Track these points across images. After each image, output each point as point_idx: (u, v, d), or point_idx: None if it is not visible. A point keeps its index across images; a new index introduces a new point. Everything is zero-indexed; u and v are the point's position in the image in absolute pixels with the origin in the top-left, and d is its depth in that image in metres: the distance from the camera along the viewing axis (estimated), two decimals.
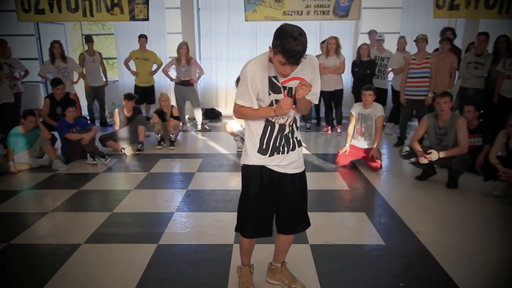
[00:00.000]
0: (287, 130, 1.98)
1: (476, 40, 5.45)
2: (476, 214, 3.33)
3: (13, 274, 2.46)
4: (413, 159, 4.09)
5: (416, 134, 4.09)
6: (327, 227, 3.06)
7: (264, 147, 1.96)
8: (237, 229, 2.14)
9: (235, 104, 1.91)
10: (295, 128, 2.03)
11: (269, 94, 1.86)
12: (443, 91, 4.01)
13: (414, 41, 5.32)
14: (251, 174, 2.00)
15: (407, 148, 4.15)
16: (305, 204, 2.15)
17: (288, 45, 1.64)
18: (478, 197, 3.69)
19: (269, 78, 1.84)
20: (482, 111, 4.70)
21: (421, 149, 3.93)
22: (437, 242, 2.83)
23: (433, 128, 3.99)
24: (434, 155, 3.79)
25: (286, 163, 2.00)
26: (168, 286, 2.30)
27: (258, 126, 1.96)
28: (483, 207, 3.47)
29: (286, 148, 1.98)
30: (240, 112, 1.92)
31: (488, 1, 6.59)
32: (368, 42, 6.53)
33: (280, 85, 1.85)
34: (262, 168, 1.98)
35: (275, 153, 1.97)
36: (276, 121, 1.94)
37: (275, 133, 1.96)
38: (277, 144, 1.97)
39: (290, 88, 1.88)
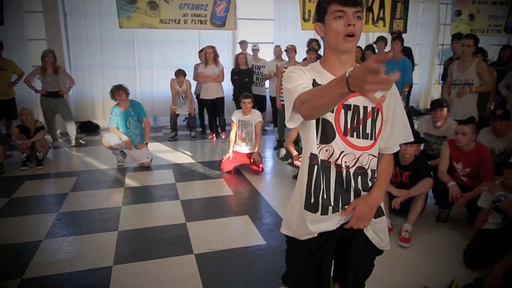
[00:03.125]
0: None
1: None
2: None
3: None
4: (290, 160, 4.40)
5: (290, 136, 4.40)
6: (212, 234, 3.09)
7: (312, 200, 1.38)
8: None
9: (294, 106, 1.22)
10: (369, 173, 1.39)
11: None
12: None
13: (285, 50, 5.77)
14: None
15: (284, 151, 4.44)
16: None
17: None
18: None
19: (314, 81, 1.32)
20: None
21: (296, 152, 4.25)
22: None
23: None
24: None
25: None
26: None
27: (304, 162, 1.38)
28: None
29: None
30: (301, 105, 1.17)
31: None
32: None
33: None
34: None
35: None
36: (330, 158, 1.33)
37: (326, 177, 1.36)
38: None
39: (356, 107, 1.29)
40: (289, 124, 1.27)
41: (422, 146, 4.19)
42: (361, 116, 1.30)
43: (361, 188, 1.37)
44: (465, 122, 3.25)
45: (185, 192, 4.07)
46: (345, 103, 1.28)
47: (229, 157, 4.74)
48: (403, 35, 7.73)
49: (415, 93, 8.92)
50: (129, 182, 4.40)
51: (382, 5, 7.79)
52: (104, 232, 3.13)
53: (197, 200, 3.90)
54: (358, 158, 1.33)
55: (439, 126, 3.77)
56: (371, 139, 1.34)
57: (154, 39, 7.37)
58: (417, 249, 2.88)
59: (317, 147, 1.32)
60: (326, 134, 1.31)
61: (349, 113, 1.29)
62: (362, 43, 6.76)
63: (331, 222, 1.40)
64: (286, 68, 5.68)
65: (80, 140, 6.21)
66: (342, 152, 1.32)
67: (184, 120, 7.52)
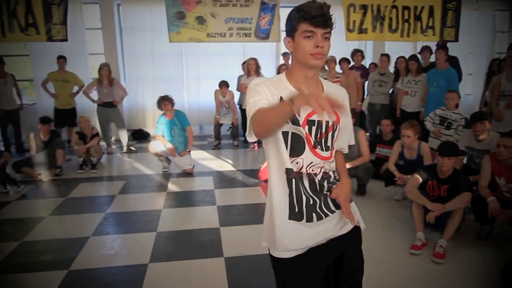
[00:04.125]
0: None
1: (379, 60, 6.07)
2: (378, 217, 3.68)
3: None
4: None
5: None
6: (243, 240, 3.19)
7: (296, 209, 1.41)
8: None
9: (251, 122, 1.27)
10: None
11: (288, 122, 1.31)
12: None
13: (325, 62, 5.80)
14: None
15: None
16: None
17: (309, 4, 1.32)
18: (382, 202, 4.09)
19: (281, 98, 1.34)
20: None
21: None
22: None
23: None
24: None
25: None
26: None
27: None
28: (385, 210, 3.85)
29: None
30: (255, 124, 1.24)
31: (391, 26, 7.41)
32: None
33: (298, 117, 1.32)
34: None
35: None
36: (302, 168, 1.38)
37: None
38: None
39: (318, 123, 1.36)
40: (249, 138, 1.31)
41: (465, 160, 4.03)
42: (323, 130, 1.38)
43: (330, 188, 1.44)
44: (509, 134, 3.10)
45: (222, 198, 4.22)
46: (309, 118, 1.34)
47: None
48: (454, 44, 7.49)
49: (469, 103, 8.49)
50: (172, 187, 4.65)
51: (431, 14, 7.54)
52: (144, 232, 3.36)
53: (232, 207, 4.04)
54: (323, 166, 1.42)
55: (481, 140, 3.62)
56: (331, 149, 1.44)
57: (201, 52, 7.73)
58: (451, 266, 2.78)
59: (290, 161, 1.36)
60: (297, 148, 1.36)
61: (313, 128, 1.36)
62: (409, 52, 6.60)
63: (318, 232, 1.43)
64: (326, 79, 5.71)
65: (131, 147, 6.65)
66: (311, 163, 1.39)
67: (228, 130, 7.75)
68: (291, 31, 1.36)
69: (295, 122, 1.32)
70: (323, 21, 1.29)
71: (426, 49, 5.76)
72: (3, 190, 4.45)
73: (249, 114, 1.28)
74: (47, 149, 5.29)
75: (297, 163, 1.37)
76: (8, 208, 4.03)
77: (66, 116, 6.65)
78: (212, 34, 7.14)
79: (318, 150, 1.39)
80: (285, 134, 1.34)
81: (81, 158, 5.40)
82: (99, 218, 3.68)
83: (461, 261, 2.85)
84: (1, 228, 3.56)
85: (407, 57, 5.72)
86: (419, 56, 5.81)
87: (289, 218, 1.40)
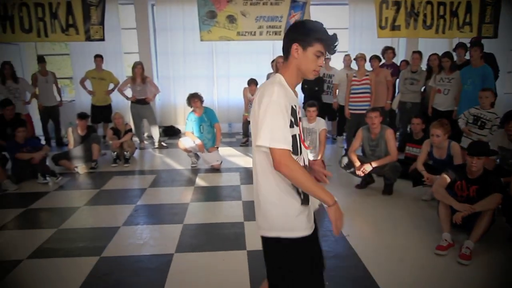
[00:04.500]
0: None
1: (411, 58, 5.94)
2: (403, 217, 3.63)
3: None
4: (352, 169, 4.38)
5: (353, 145, 4.40)
6: None
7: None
8: None
9: (274, 152, 1.43)
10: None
11: (293, 126, 1.51)
12: (373, 107, 4.37)
13: (354, 59, 5.74)
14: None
15: (346, 160, 4.44)
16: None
17: (326, 32, 1.53)
18: (409, 202, 4.02)
19: (292, 108, 1.51)
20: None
21: (357, 161, 4.22)
22: (364, 243, 3.09)
23: (366, 140, 4.33)
24: (367, 168, 4.09)
25: None
26: None
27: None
28: (411, 210, 3.78)
29: None
30: (288, 165, 1.44)
31: (426, 22, 7.22)
32: None
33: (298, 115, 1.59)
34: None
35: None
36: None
37: None
38: None
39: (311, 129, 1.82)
40: (258, 142, 1.45)
41: (498, 161, 3.89)
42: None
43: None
44: None
45: (247, 194, 4.30)
46: (306, 127, 1.67)
47: None
48: (493, 41, 7.18)
49: (508, 102, 8.09)
50: (199, 182, 4.78)
51: (468, 9, 7.28)
52: (171, 224, 3.49)
53: None
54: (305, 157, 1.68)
55: None
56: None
57: (231, 50, 7.85)
58: (478, 268, 2.71)
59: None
60: (295, 147, 1.54)
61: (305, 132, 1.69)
62: (443, 49, 6.39)
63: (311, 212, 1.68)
64: (355, 77, 5.67)
65: (162, 143, 6.86)
66: (304, 159, 1.65)
67: None
68: (304, 42, 1.51)
69: (296, 122, 1.55)
70: (334, 50, 1.56)
71: (461, 46, 5.57)
72: (43, 181, 4.75)
73: (278, 141, 1.43)
74: (84, 143, 5.58)
75: (299, 160, 1.57)
76: (47, 198, 4.30)
77: (102, 112, 6.96)
78: (242, 33, 7.24)
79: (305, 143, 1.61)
80: (293, 137, 1.52)
81: (115, 153, 5.64)
82: (130, 210, 3.86)
83: (488, 264, 2.78)
84: (40, 216, 3.81)
85: (440, 54, 5.55)
86: (453, 53, 5.63)
87: (301, 204, 1.57)
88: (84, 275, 2.61)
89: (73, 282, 2.54)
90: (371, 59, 5.67)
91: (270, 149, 1.44)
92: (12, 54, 7.55)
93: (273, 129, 1.42)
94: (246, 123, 6.92)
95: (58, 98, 7.01)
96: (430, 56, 5.92)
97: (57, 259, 2.87)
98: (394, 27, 7.23)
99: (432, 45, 7.50)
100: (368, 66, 5.74)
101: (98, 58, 6.87)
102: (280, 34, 7.26)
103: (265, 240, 1.62)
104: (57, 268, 2.74)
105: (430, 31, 7.32)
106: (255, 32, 7.28)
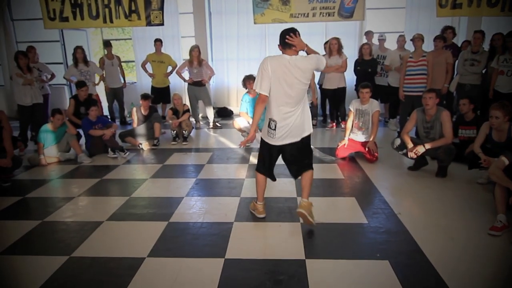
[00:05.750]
0: None
1: (472, 38, 5.69)
2: (456, 198, 3.63)
3: (47, 244, 2.93)
4: (405, 151, 4.39)
5: (407, 127, 4.39)
6: (318, 209, 3.37)
7: None
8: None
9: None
10: None
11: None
12: (429, 88, 4.30)
13: (411, 40, 5.61)
14: None
15: (398, 141, 4.45)
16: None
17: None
18: (463, 185, 3.98)
19: None
20: (477, 105, 4.92)
21: (410, 142, 4.22)
22: (414, 221, 3.16)
23: (421, 122, 4.30)
24: (420, 149, 4.09)
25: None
26: (175, 253, 2.73)
27: None
28: (465, 193, 3.76)
29: None
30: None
31: None
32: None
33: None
34: None
35: None
36: None
37: None
38: None
39: None
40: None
41: None
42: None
43: None
44: None
45: None
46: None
47: (344, 144, 4.96)
48: None
49: None
50: (253, 160, 5.02)
51: None
52: (229, 196, 3.77)
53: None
54: None
55: None
56: None
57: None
58: None
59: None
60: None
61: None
62: (508, 29, 6.01)
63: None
64: (411, 58, 5.55)
65: (217, 123, 7.19)
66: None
67: None
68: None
69: None
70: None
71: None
72: (113, 156, 5.24)
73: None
74: (146, 122, 6.02)
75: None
76: (117, 171, 4.76)
77: (162, 93, 7.40)
78: (296, 15, 7.28)
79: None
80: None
81: (174, 131, 6.04)
82: (190, 183, 4.19)
83: None
84: (113, 186, 4.26)
85: (505, 34, 5.28)
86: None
87: (312, 119, 3.16)
88: (156, 236, 2.95)
89: (149, 240, 2.89)
90: (436, 38, 5.46)
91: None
92: (79, 40, 8.20)
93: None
94: None
95: (122, 80, 7.54)
96: (493, 35, 5.64)
97: (132, 222, 3.25)
98: (455, 5, 6.88)
99: (497, 24, 7.08)
100: (425, 46, 5.59)
101: (158, 42, 7.27)
102: (333, 15, 7.22)
103: (306, 137, 3.05)
104: (133, 229, 3.11)
105: (495, 8, 6.87)
106: (308, 13, 7.28)
